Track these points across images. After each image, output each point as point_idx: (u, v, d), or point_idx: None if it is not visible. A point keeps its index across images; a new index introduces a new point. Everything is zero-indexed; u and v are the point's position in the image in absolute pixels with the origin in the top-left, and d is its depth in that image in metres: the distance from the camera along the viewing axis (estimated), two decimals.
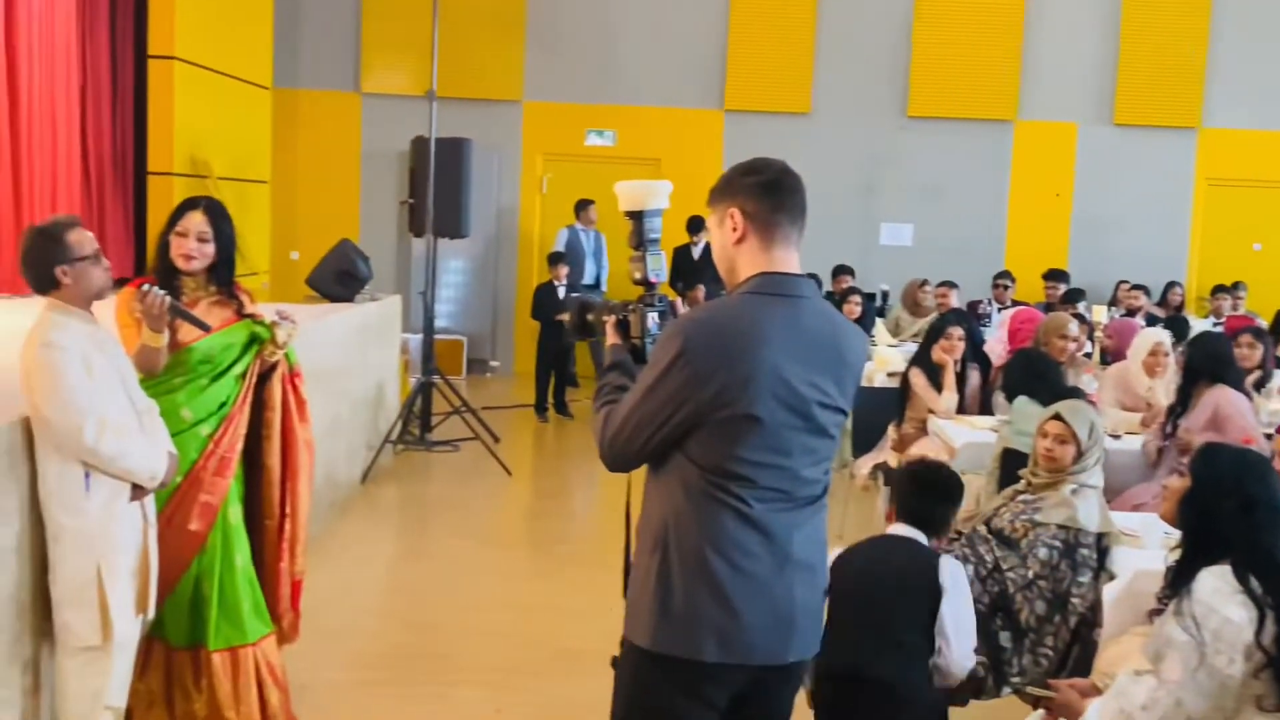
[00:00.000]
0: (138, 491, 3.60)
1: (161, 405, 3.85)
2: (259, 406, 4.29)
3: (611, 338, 2.88)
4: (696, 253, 11.09)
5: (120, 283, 3.92)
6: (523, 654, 5.05)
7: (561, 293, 10.15)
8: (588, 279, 11.15)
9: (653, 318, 2.86)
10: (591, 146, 12.41)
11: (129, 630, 3.62)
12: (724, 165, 11.54)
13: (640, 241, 2.90)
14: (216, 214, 4.14)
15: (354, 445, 7.56)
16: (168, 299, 3.80)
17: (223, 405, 4.12)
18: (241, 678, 4.10)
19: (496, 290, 12.61)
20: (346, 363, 7.32)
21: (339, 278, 7.86)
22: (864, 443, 6.84)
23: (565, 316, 3.07)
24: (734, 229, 2.52)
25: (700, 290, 10.06)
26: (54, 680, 3.67)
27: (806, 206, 2.57)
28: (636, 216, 2.89)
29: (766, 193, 2.52)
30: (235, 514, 4.17)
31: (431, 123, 8.51)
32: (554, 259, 10.48)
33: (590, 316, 3.00)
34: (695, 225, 10.86)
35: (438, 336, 9.67)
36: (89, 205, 8.22)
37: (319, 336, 6.37)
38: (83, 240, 3.51)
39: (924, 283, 10.59)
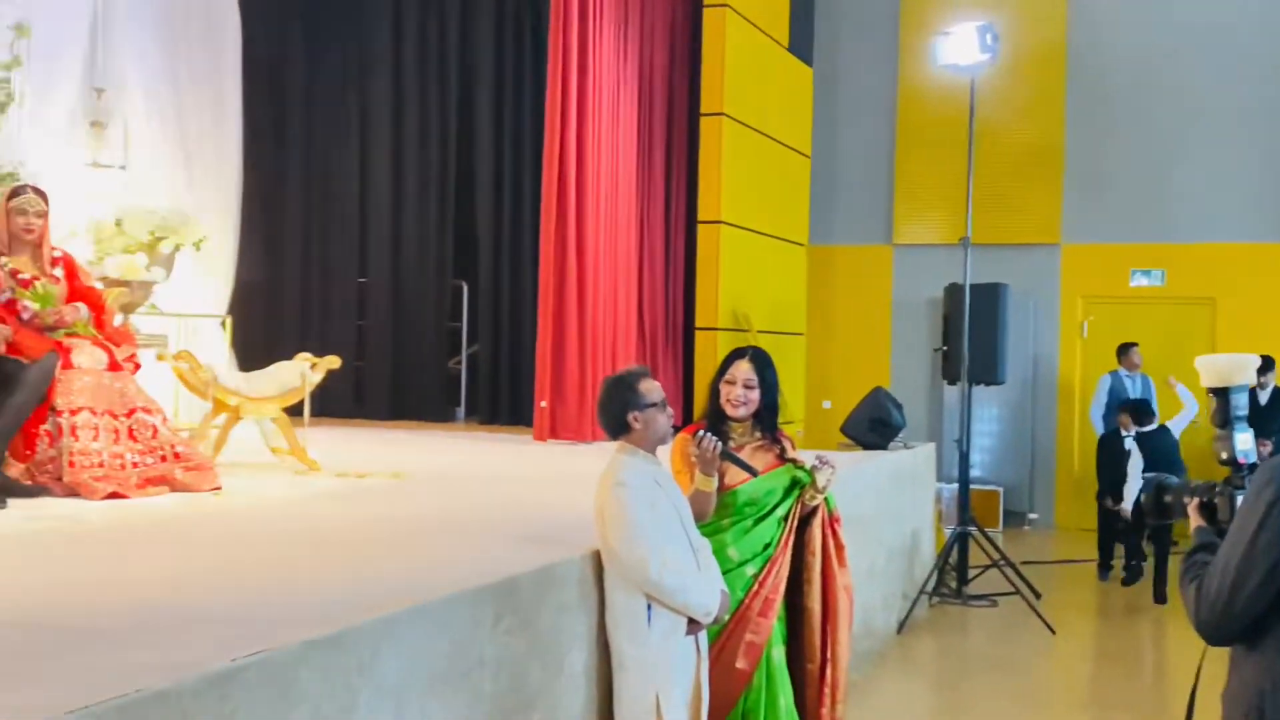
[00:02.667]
0: (693, 626, 3.76)
1: (710, 544, 4.04)
2: (799, 549, 4.38)
3: (1195, 520, 2.71)
4: (1264, 397, 10.08)
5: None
6: None
7: None
8: None
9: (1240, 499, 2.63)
10: (1137, 287, 11.77)
11: None
12: None
13: (1226, 419, 2.72)
14: (762, 362, 4.35)
15: (889, 594, 7.49)
16: (720, 445, 4.00)
17: (767, 547, 4.25)
18: None
19: (1034, 439, 12.14)
20: (881, 511, 7.32)
21: (873, 425, 7.94)
22: None
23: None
24: None
25: (1267, 445, 9.07)
26: None
27: None
28: (1222, 393, 2.73)
29: None
30: (779, 655, 4.24)
31: (965, 270, 8.47)
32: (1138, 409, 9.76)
33: (1168, 498, 2.81)
34: (1264, 366, 9.89)
35: (972, 486, 9.42)
36: (642, 358, 8.92)
37: (855, 483, 6.43)
38: (652, 389, 3.80)
39: None
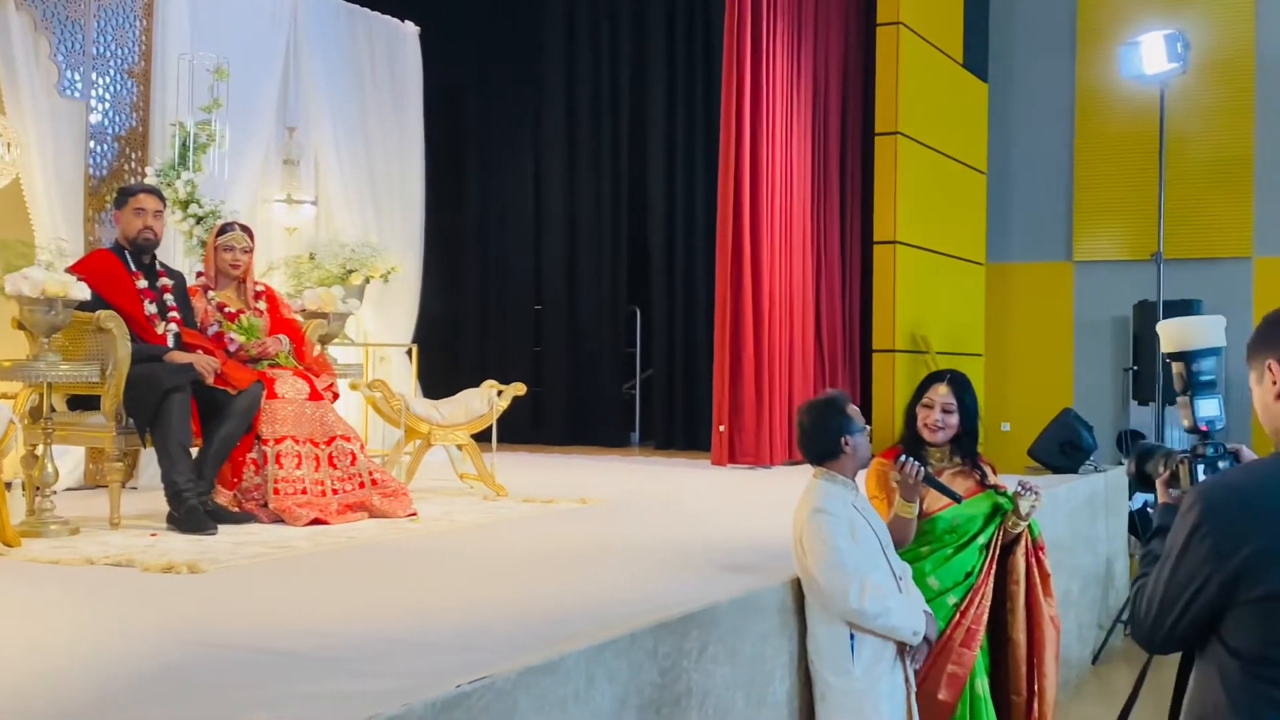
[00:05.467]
0: (913, 652, 3.68)
1: (911, 571, 3.96)
2: (1002, 578, 4.26)
3: (1161, 495, 2.52)
4: None
5: None
6: None
7: None
8: None
9: (1201, 470, 2.44)
10: None
11: None
12: None
13: (1186, 385, 2.54)
14: (960, 386, 4.27)
15: (1084, 624, 7.23)
16: (922, 469, 3.92)
17: (968, 575, 4.15)
18: None
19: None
20: (1075, 537, 7.08)
21: (1063, 448, 7.69)
22: None
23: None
24: (1274, 383, 2.23)
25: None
26: None
27: None
28: (1181, 358, 2.55)
29: None
30: (982, 687, 4.13)
31: (1159, 286, 8.16)
32: None
33: (1148, 466, 2.63)
34: None
35: None
36: (820, 381, 8.81)
37: (1047, 509, 6.22)
38: (858, 414, 3.76)
39: None
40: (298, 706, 2.48)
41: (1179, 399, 2.60)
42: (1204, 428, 2.55)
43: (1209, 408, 2.56)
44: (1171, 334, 2.64)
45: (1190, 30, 9.01)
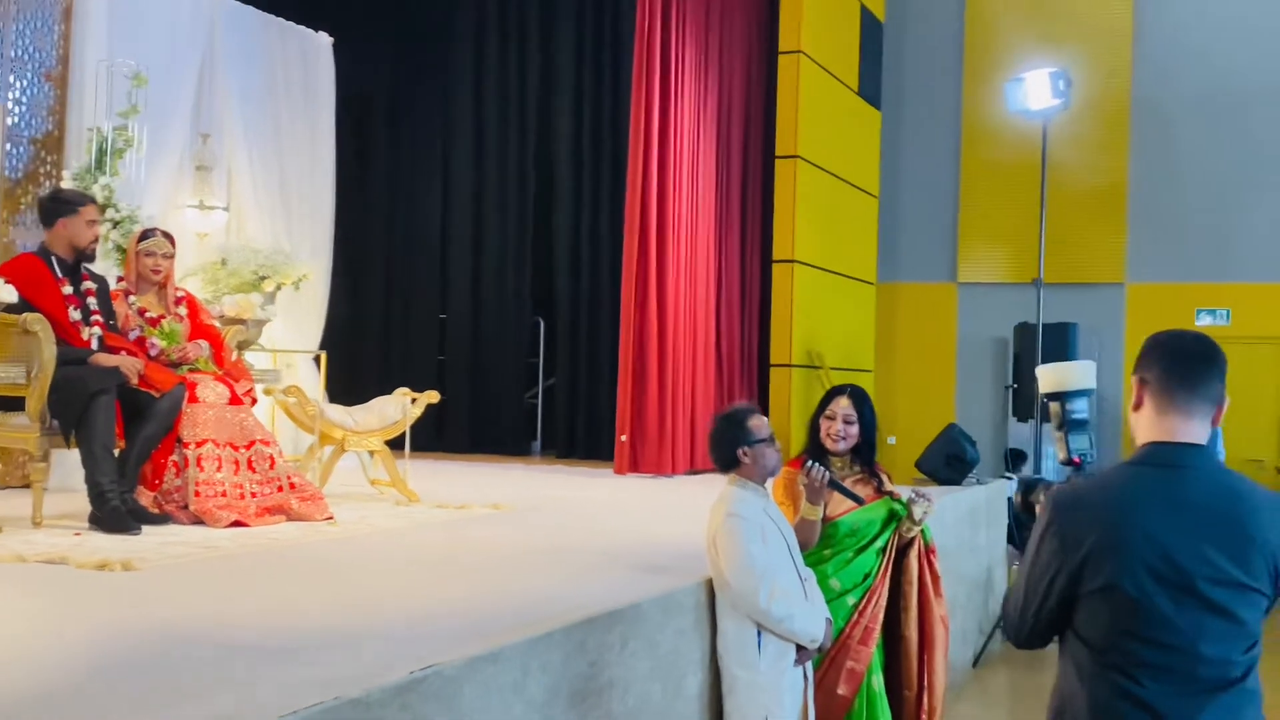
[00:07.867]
0: (802, 653, 3.95)
1: (814, 574, 4.24)
2: (897, 580, 4.56)
3: None
4: None
5: None
6: None
7: None
8: None
9: None
10: (1202, 327, 11.83)
11: None
12: None
13: (1062, 422, 2.90)
14: (860, 399, 4.57)
15: (966, 629, 7.61)
16: (828, 474, 4.21)
17: (866, 577, 4.44)
18: None
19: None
20: (960, 545, 7.46)
21: (949, 461, 8.08)
22: None
23: None
24: (1135, 397, 2.51)
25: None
26: None
27: (1222, 377, 2.48)
28: (1057, 398, 2.91)
29: (1164, 359, 2.48)
30: (878, 682, 4.41)
31: (1038, 309, 8.64)
32: None
33: (1032, 497, 2.98)
34: None
35: None
36: (720, 394, 9.12)
37: (932, 517, 6.57)
38: (760, 425, 4.01)
39: None
40: (262, 691, 2.64)
41: (1055, 434, 2.94)
42: (1076, 459, 2.89)
43: (1080, 442, 2.90)
44: (1049, 377, 2.99)
45: (1071, 68, 9.56)
